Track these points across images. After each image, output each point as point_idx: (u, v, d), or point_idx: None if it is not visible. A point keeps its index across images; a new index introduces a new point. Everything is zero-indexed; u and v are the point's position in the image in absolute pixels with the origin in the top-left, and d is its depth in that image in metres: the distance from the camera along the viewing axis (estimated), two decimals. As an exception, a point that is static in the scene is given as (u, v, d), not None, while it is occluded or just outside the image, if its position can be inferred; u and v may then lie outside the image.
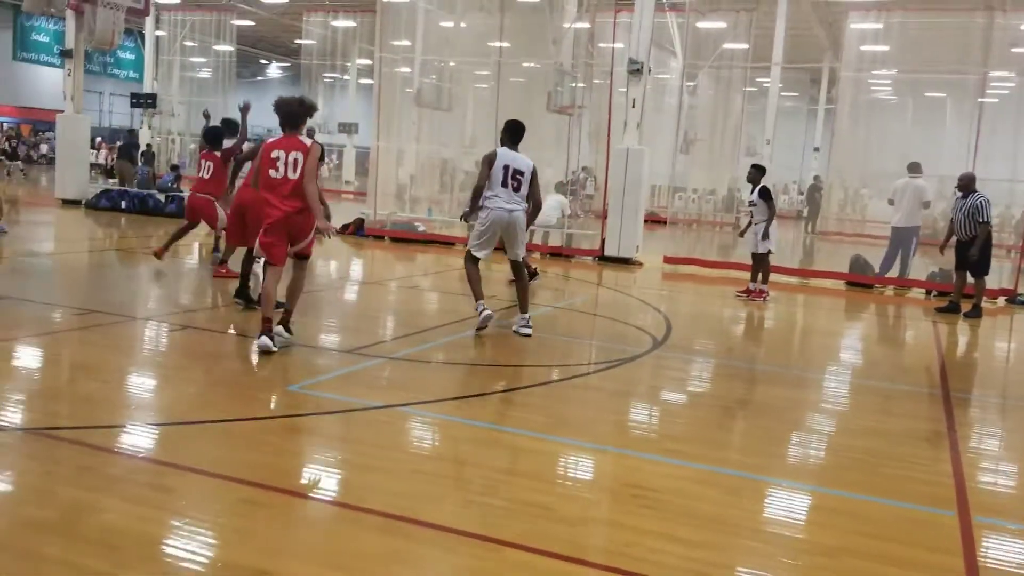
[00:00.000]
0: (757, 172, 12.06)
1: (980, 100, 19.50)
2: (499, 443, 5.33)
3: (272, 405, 6.01)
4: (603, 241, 15.62)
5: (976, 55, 18.88)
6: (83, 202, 19.67)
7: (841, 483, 5.04)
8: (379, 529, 3.95)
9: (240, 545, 3.73)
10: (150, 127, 29.42)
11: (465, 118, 22.05)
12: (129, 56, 43.48)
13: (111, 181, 23.33)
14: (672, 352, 8.38)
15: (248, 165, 9.22)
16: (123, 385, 6.18)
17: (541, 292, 12.50)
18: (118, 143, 30.60)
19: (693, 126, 25.15)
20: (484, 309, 8.38)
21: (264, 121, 19.83)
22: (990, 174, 16.38)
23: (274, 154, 6.99)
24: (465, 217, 9.10)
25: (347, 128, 37.44)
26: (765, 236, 11.89)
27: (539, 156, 19.44)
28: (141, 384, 6.28)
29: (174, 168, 23.33)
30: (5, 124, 42.82)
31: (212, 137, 11.17)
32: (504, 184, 8.24)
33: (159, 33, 28.85)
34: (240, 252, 9.53)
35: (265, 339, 6.93)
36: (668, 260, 15.70)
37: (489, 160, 8.29)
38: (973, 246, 11.53)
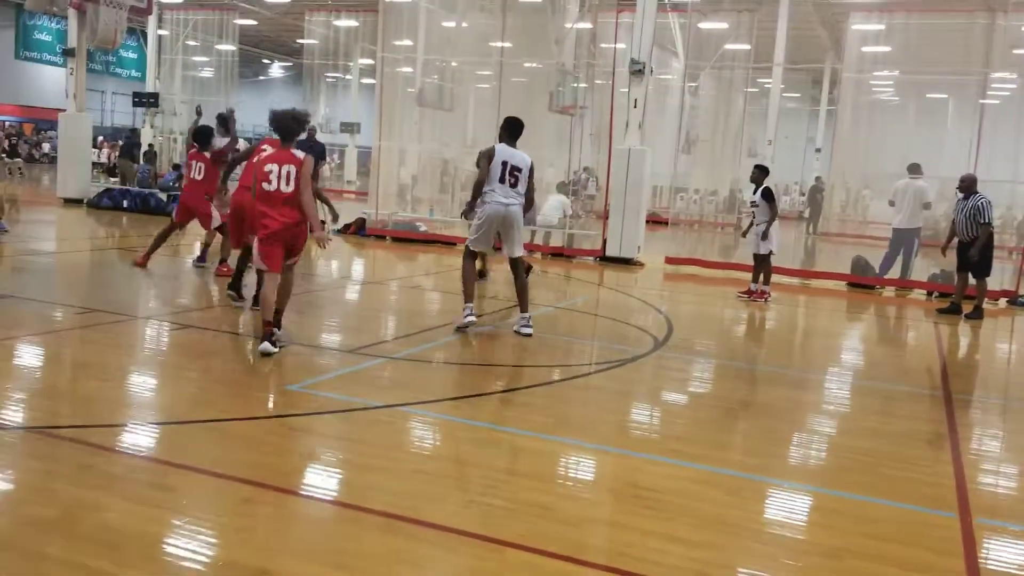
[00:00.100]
0: (760, 173, 12.05)
1: (981, 101, 19.48)
2: (500, 443, 5.33)
3: (273, 405, 6.01)
4: (604, 241, 15.61)
5: (978, 56, 18.87)
6: (85, 201, 19.67)
7: (842, 484, 5.04)
8: (380, 529, 3.95)
9: (241, 544, 3.73)
10: (152, 126, 29.42)
11: (467, 118, 22.04)
12: (131, 55, 43.47)
13: (112, 180, 23.34)
14: (673, 353, 8.38)
15: (241, 166, 9.22)
16: (124, 384, 6.18)
17: (542, 292, 12.51)
18: (120, 142, 30.64)
19: (695, 127, 25.13)
20: (469, 314, 8.42)
21: (265, 120, 19.80)
22: (991, 175, 16.38)
23: (267, 168, 7.12)
24: (465, 214, 9.13)
25: (349, 128, 37.45)
26: (765, 237, 11.88)
27: (541, 156, 19.53)
28: (142, 383, 6.28)
29: (176, 167, 23.32)
30: (7, 123, 42.87)
31: (202, 137, 11.07)
32: (502, 180, 8.29)
33: (161, 32, 28.84)
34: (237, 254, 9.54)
35: (267, 344, 6.99)
36: (669, 261, 15.70)
37: (488, 156, 8.33)
38: (974, 247, 11.52)
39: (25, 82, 41.80)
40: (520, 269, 8.63)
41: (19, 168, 31.78)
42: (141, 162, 23.16)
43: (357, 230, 17.51)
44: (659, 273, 14.92)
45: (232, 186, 9.86)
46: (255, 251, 7.26)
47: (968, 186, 11.85)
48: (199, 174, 10.84)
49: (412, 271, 14.21)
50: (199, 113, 12.78)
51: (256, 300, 8.07)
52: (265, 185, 7.10)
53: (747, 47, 23.06)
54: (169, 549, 3.63)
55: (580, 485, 4.89)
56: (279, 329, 7.32)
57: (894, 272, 14.21)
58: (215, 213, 10.74)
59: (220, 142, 10.98)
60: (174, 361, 7.06)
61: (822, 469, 5.46)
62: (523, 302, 8.56)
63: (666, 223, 20.29)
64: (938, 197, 18.77)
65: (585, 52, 20.92)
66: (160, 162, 26.94)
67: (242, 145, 11.19)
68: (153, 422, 5.32)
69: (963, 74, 20.04)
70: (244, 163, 9.30)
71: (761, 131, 26.09)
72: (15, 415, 5.24)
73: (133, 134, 24.62)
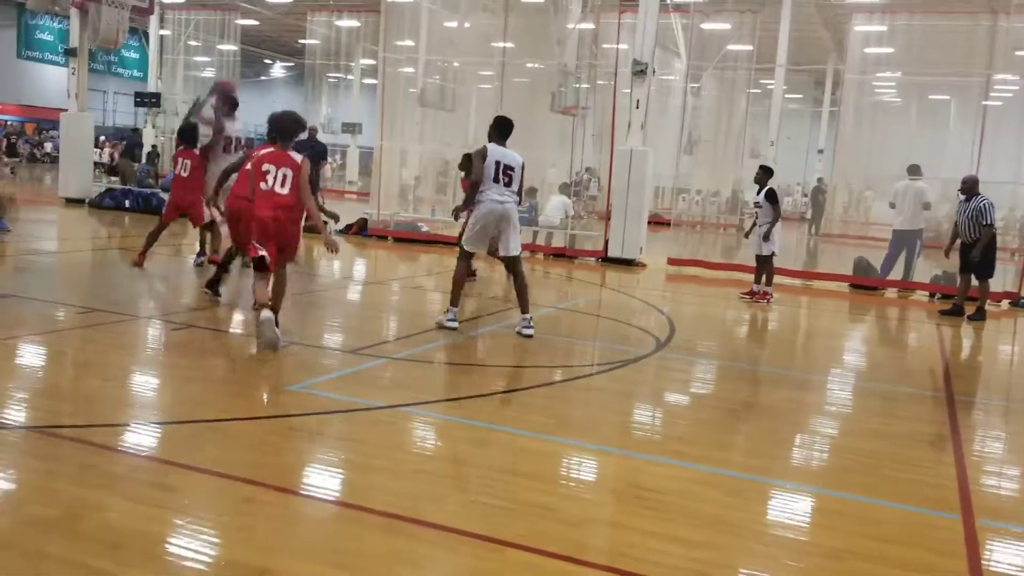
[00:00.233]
0: (764, 174, 12.05)
1: (984, 103, 19.46)
2: (501, 443, 5.33)
3: (274, 404, 6.01)
4: (606, 242, 15.60)
5: (980, 58, 18.86)
6: (87, 201, 19.69)
7: (844, 485, 5.03)
8: (381, 529, 3.95)
9: (242, 544, 3.72)
10: (154, 126, 29.44)
11: (469, 118, 22.03)
12: (133, 55, 43.46)
13: (113, 179, 23.34)
14: (675, 353, 8.37)
15: (234, 176, 9.19)
16: (126, 384, 6.18)
17: (544, 293, 12.51)
18: (123, 141, 30.64)
19: (697, 127, 25.14)
20: (452, 319, 8.44)
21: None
22: (994, 177, 16.36)
23: (264, 167, 7.24)
24: (457, 213, 9.25)
25: (351, 128, 37.46)
26: (767, 238, 11.87)
27: (543, 156, 19.62)
28: (144, 383, 6.28)
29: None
30: (8, 122, 42.92)
31: (187, 136, 11.06)
32: (496, 180, 8.32)
33: (163, 32, 28.85)
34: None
35: (266, 312, 7.11)
36: (672, 262, 15.69)
37: (481, 156, 8.35)
38: (976, 249, 11.51)
39: (27, 82, 41.83)
40: (519, 267, 8.64)
41: (10, 168, 31.76)
42: (143, 162, 23.15)
43: (359, 230, 17.51)
44: (661, 274, 14.92)
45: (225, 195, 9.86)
46: (249, 250, 7.36)
47: (970, 187, 11.84)
48: (185, 171, 10.89)
49: (414, 271, 14.20)
50: (195, 106, 12.69)
51: (255, 302, 8.07)
52: (262, 184, 7.22)
53: (749, 48, 23.06)
54: (170, 549, 3.63)
55: (581, 485, 4.88)
56: (278, 327, 7.34)
57: (896, 273, 14.20)
58: (205, 211, 10.71)
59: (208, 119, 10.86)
60: (176, 361, 7.06)
61: (824, 470, 5.45)
62: (524, 303, 8.55)
63: (668, 224, 20.28)
64: (940, 199, 18.75)
65: (587, 52, 20.91)
66: (162, 162, 26.94)
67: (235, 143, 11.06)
68: (155, 422, 5.32)
69: (965, 76, 20.03)
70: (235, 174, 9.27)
71: (763, 132, 26.06)
72: (17, 414, 5.24)
73: (135, 134, 24.62)
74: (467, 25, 20.37)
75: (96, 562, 3.43)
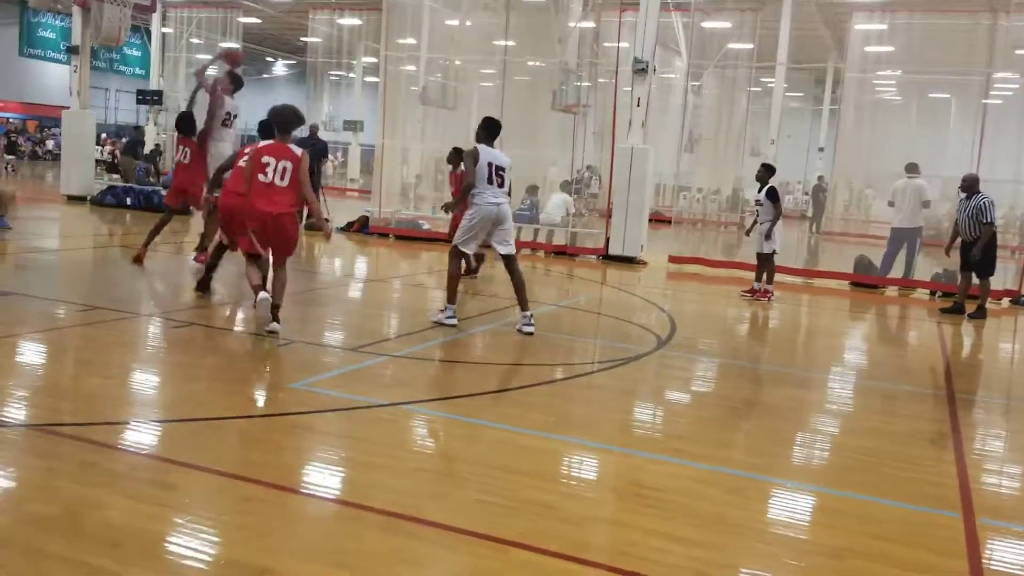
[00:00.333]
0: (766, 172, 12.04)
1: (984, 101, 19.44)
2: (502, 441, 5.33)
3: (275, 402, 6.02)
4: (607, 240, 15.60)
5: (980, 57, 18.83)
6: (88, 198, 19.69)
7: (845, 484, 5.03)
8: (382, 527, 3.95)
9: (243, 543, 3.72)
10: (156, 124, 29.45)
11: (470, 117, 21.96)
12: (135, 53, 43.36)
13: (114, 176, 23.35)
14: (676, 351, 8.37)
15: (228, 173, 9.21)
16: (126, 381, 6.18)
17: (545, 291, 12.50)
18: (123, 139, 30.61)
19: (698, 125, 25.12)
20: (451, 316, 8.48)
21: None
22: (994, 175, 16.33)
23: (264, 159, 7.36)
24: (447, 208, 9.44)
25: (352, 126, 37.44)
26: (769, 236, 11.87)
27: (544, 154, 19.63)
28: (144, 380, 6.29)
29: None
30: (10, 119, 42.91)
31: (184, 125, 11.09)
32: (490, 181, 8.39)
33: (165, 30, 28.85)
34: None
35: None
36: (672, 259, 15.69)
37: (474, 158, 8.39)
38: (976, 247, 11.51)
39: (29, 79, 41.81)
40: (516, 265, 8.69)
41: (7, 165, 31.82)
42: (144, 160, 23.13)
43: (360, 228, 17.52)
44: (662, 272, 14.91)
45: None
46: (249, 236, 7.56)
47: (970, 186, 11.84)
48: (186, 158, 11.00)
49: (415, 269, 14.20)
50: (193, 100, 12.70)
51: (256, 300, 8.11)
52: (260, 176, 7.33)
53: (750, 46, 23.04)
54: (171, 547, 3.63)
55: (582, 484, 4.88)
56: (278, 323, 7.47)
57: (897, 272, 14.20)
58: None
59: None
60: (176, 359, 7.06)
61: (825, 469, 5.45)
62: (523, 300, 8.58)
63: (669, 222, 20.27)
64: (941, 197, 18.75)
65: (588, 51, 20.90)
66: (164, 160, 26.95)
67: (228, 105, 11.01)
68: (155, 420, 5.32)
69: (966, 74, 20.00)
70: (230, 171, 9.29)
71: (764, 130, 26.04)
72: (17, 412, 5.24)
73: (137, 131, 24.60)
74: (468, 23, 20.36)
75: (96, 560, 3.43)
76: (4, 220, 13.58)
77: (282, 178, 7.33)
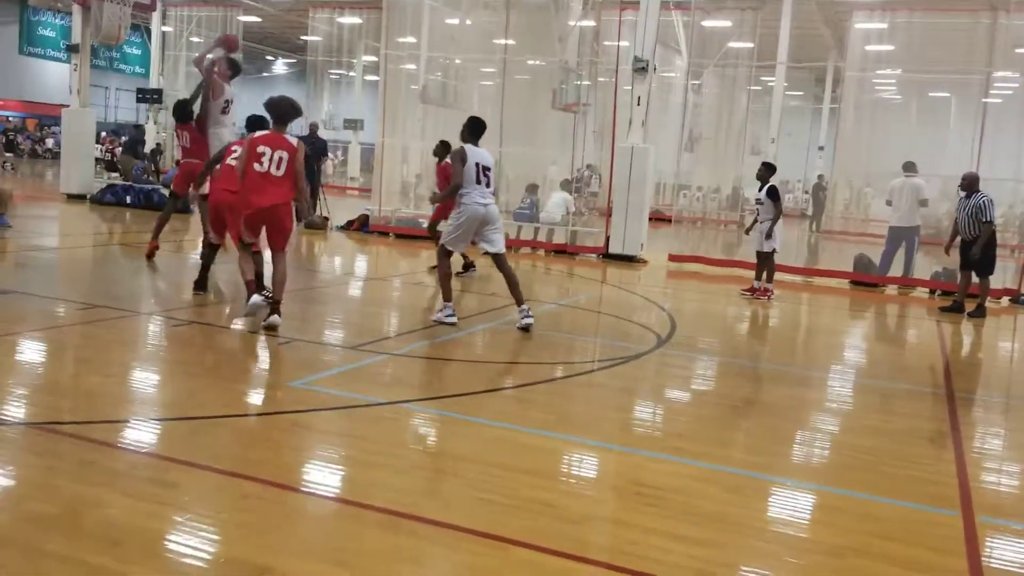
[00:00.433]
0: (767, 170, 12.05)
1: (984, 100, 19.43)
2: (502, 440, 5.33)
3: (275, 401, 6.01)
4: (607, 239, 15.60)
5: (980, 55, 18.81)
6: (88, 197, 19.69)
7: (845, 482, 5.03)
8: (382, 526, 3.95)
9: (242, 541, 3.72)
10: (156, 123, 29.45)
11: (470, 115, 21.99)
12: (135, 51, 43.42)
13: (112, 175, 23.34)
14: (676, 350, 8.37)
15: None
16: (126, 380, 6.18)
17: (545, 289, 12.51)
18: (123, 138, 30.58)
19: (698, 124, 25.12)
20: (451, 314, 8.50)
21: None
22: (994, 174, 16.35)
23: (260, 149, 7.44)
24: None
25: (352, 125, 37.43)
26: (769, 235, 11.87)
27: (544, 153, 19.61)
28: (144, 379, 6.29)
29: (178, 163, 23.28)
30: (8, 118, 42.89)
31: (180, 113, 11.11)
32: (478, 181, 8.43)
33: (165, 29, 28.86)
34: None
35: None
36: (673, 258, 15.69)
37: (461, 158, 8.42)
38: (976, 246, 11.52)
39: (29, 78, 41.83)
40: (506, 262, 8.75)
41: (6, 163, 31.84)
42: (143, 158, 23.12)
43: (360, 226, 17.53)
44: (662, 270, 14.92)
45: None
46: (241, 225, 7.70)
47: (970, 184, 11.84)
48: (187, 142, 11.01)
49: (415, 267, 14.18)
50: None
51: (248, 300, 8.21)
52: (256, 166, 7.40)
53: (750, 45, 23.04)
54: (170, 546, 3.63)
55: (582, 482, 4.88)
56: (279, 316, 7.56)
57: (896, 270, 14.21)
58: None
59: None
60: (176, 357, 7.06)
61: (824, 467, 5.45)
62: (518, 295, 8.64)
63: (669, 220, 20.27)
64: (941, 196, 18.73)
65: (588, 50, 20.89)
66: (164, 159, 26.96)
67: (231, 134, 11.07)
68: (155, 418, 5.32)
69: (966, 73, 19.98)
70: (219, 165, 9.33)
71: (764, 129, 26.06)
72: (17, 411, 5.24)
73: (138, 130, 24.61)
74: (469, 22, 20.35)
75: (95, 559, 3.43)
76: (4, 218, 13.59)
77: (278, 168, 7.41)
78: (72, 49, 19.99)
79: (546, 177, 19.58)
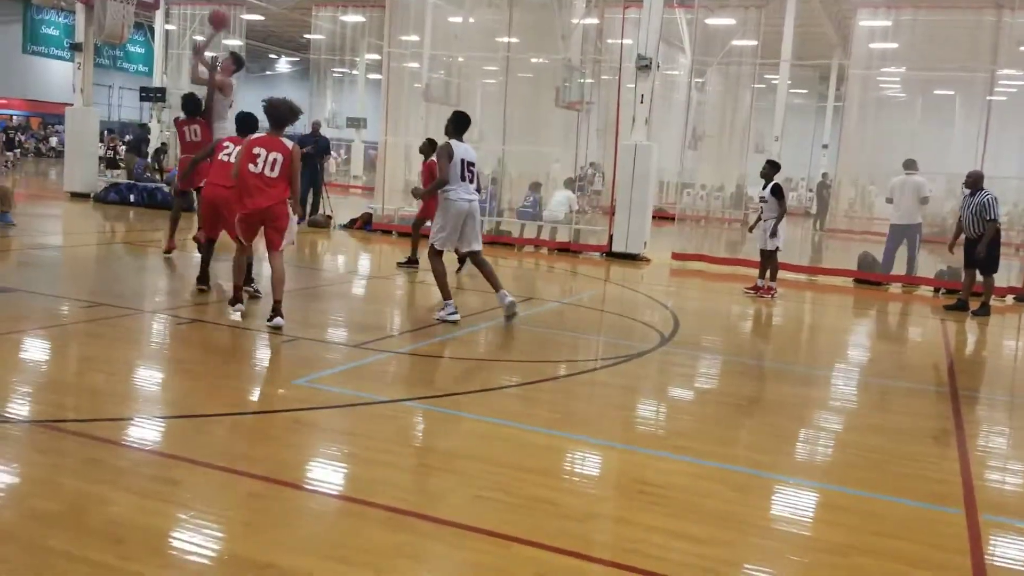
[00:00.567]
0: (771, 168, 12.03)
1: (989, 98, 19.39)
2: (505, 438, 5.33)
3: (278, 399, 6.02)
4: (611, 237, 15.59)
5: (985, 53, 18.76)
6: (92, 195, 19.71)
7: (848, 480, 5.02)
8: (385, 523, 3.95)
9: (246, 538, 3.72)
10: (159, 121, 29.46)
11: (473, 114, 21.96)
12: (139, 50, 43.47)
13: (114, 173, 23.38)
14: (679, 348, 8.36)
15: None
16: (130, 378, 6.19)
17: (549, 288, 12.52)
18: (127, 137, 30.62)
19: (701, 122, 25.10)
20: (453, 312, 8.50)
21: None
22: (998, 172, 16.32)
23: (255, 150, 7.50)
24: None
25: (355, 123, 37.44)
26: (774, 234, 11.86)
27: (547, 151, 19.59)
28: (148, 377, 6.29)
29: (182, 160, 23.29)
30: (12, 116, 42.94)
31: (193, 107, 11.09)
32: (463, 177, 8.46)
33: (168, 27, 28.85)
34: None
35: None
36: (676, 256, 15.68)
37: (448, 155, 8.42)
38: (980, 244, 11.49)
39: (32, 76, 41.89)
40: (482, 257, 8.81)
41: (7, 162, 31.90)
42: (149, 158, 23.18)
43: (363, 225, 17.54)
44: (665, 269, 14.90)
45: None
46: (235, 225, 7.75)
47: (975, 182, 11.81)
48: (196, 136, 10.90)
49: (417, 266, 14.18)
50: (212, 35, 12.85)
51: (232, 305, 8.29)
52: (251, 166, 7.46)
53: (754, 43, 23.03)
54: (174, 543, 3.63)
55: (586, 480, 4.88)
56: (281, 317, 7.56)
57: (899, 268, 14.18)
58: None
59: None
60: (180, 355, 7.07)
61: (828, 465, 5.44)
62: (496, 282, 8.74)
63: (672, 219, 20.25)
64: (945, 194, 18.71)
65: (592, 48, 20.88)
66: (168, 158, 26.98)
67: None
68: (158, 416, 5.33)
69: (970, 71, 19.91)
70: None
71: (768, 127, 26.04)
72: (21, 408, 5.25)
73: (142, 129, 24.65)
74: (471, 20, 20.34)
75: (99, 556, 3.43)
76: (8, 216, 13.60)
77: (272, 169, 7.46)
78: (75, 48, 20.02)
79: (549, 175, 19.58)
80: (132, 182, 20.03)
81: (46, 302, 8.59)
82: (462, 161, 8.42)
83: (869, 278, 14.36)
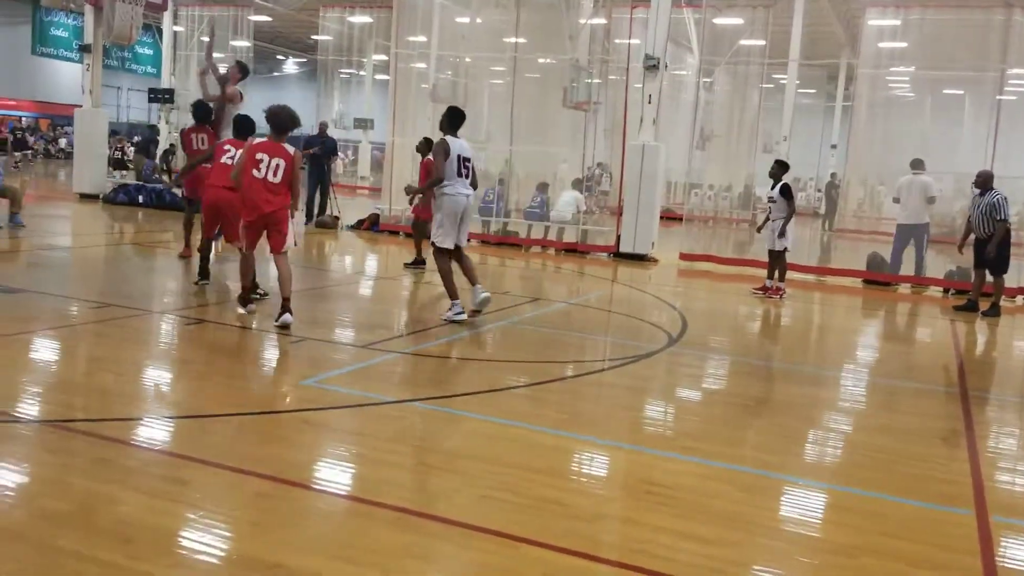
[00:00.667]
0: (780, 168, 12.00)
1: (998, 97, 19.31)
2: (512, 438, 5.32)
3: (286, 399, 6.03)
4: (618, 237, 15.57)
5: (994, 52, 18.70)
6: (101, 196, 19.77)
7: (857, 481, 5.00)
8: (392, 523, 3.95)
9: (254, 538, 3.73)
10: (168, 122, 29.54)
11: (481, 114, 21.99)
12: (147, 51, 43.59)
13: (121, 173, 23.46)
14: (687, 349, 8.35)
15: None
16: (138, 378, 6.21)
17: (556, 288, 12.51)
18: (135, 138, 30.69)
19: (709, 122, 25.04)
20: (460, 312, 8.52)
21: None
22: (1008, 172, 16.24)
23: (258, 156, 7.69)
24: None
25: (363, 124, 37.44)
26: (782, 234, 11.83)
27: (555, 152, 19.58)
28: (156, 377, 6.31)
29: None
30: (21, 118, 43.09)
31: (202, 114, 11.17)
32: (459, 173, 8.49)
33: (177, 28, 28.91)
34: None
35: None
36: (684, 257, 15.65)
37: (444, 151, 8.44)
38: (990, 244, 11.45)
39: (42, 78, 42.05)
40: (464, 253, 8.85)
41: (16, 162, 32.05)
42: (158, 159, 23.24)
43: (370, 226, 17.55)
44: (673, 269, 14.88)
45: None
46: (240, 231, 7.95)
47: (984, 182, 11.77)
48: (203, 144, 11.03)
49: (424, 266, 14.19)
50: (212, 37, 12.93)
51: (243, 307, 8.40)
52: (254, 172, 7.63)
53: (762, 43, 22.95)
54: (182, 542, 3.64)
55: (593, 481, 4.88)
56: (290, 314, 7.65)
57: (908, 269, 14.13)
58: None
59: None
60: (188, 356, 7.09)
61: (837, 466, 5.42)
62: (473, 276, 8.79)
63: (680, 219, 20.21)
64: (955, 194, 18.63)
65: (599, 48, 20.85)
66: (176, 159, 27.05)
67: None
68: (167, 416, 5.34)
69: (980, 70, 19.83)
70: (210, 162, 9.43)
71: (776, 127, 25.96)
72: (31, 408, 5.27)
73: (152, 130, 24.73)
74: (479, 21, 20.33)
75: (108, 555, 3.44)
76: (18, 217, 13.65)
77: (275, 175, 7.64)
78: (84, 49, 20.09)
79: (556, 176, 19.55)
80: (141, 183, 20.09)
81: (55, 303, 8.62)
82: (458, 157, 8.45)
83: (878, 279, 14.31)
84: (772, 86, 29.13)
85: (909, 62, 20.45)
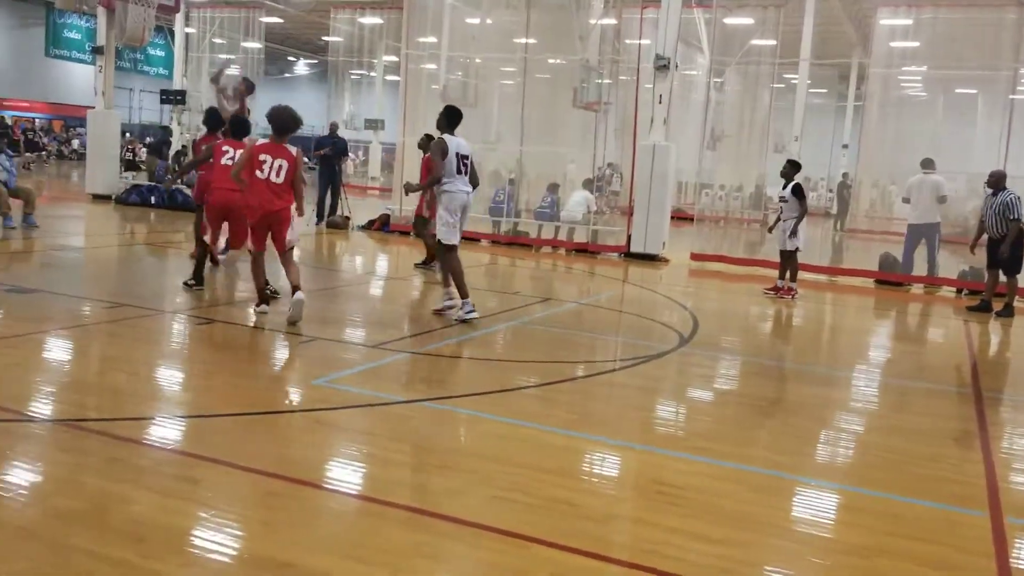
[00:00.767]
0: (791, 168, 11.97)
1: (1011, 97, 19.22)
2: (523, 438, 5.32)
3: (298, 399, 6.04)
4: (629, 238, 15.55)
5: (1007, 51, 18.61)
6: (113, 197, 19.86)
7: (870, 482, 4.98)
8: (403, 523, 3.95)
9: (265, 537, 3.74)
10: (179, 124, 29.65)
11: (491, 115, 22.00)
12: (159, 53, 43.78)
13: (132, 174, 23.56)
14: (699, 349, 8.33)
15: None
16: (151, 378, 6.23)
17: (567, 288, 12.49)
18: (148, 139, 30.82)
19: (720, 122, 24.99)
20: (472, 311, 8.52)
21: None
22: (1021, 171, 16.15)
23: (261, 157, 7.80)
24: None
25: (373, 124, 37.50)
26: (794, 234, 11.79)
27: (565, 152, 19.56)
28: (169, 377, 6.33)
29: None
30: (36, 120, 43.34)
31: (213, 122, 11.17)
32: (459, 171, 8.54)
33: (189, 30, 29.01)
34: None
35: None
36: (695, 257, 15.62)
37: (443, 150, 8.50)
38: (1003, 244, 11.39)
39: (55, 79, 42.29)
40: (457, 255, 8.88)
41: (28, 163, 32.25)
42: (168, 159, 23.34)
43: (381, 226, 17.58)
44: (684, 269, 14.85)
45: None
46: (249, 233, 8.07)
47: (997, 182, 11.71)
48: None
49: (435, 266, 14.20)
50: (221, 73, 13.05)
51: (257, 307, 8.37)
52: (258, 173, 7.75)
53: (773, 42, 22.90)
54: (194, 541, 3.65)
55: (604, 481, 4.87)
56: (300, 292, 7.81)
57: (920, 269, 14.07)
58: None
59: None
60: (200, 355, 7.11)
61: (849, 467, 5.40)
62: (463, 289, 8.72)
63: (691, 219, 20.18)
64: (968, 193, 18.54)
65: (609, 48, 20.85)
66: (186, 160, 27.16)
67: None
68: (179, 415, 5.36)
69: (992, 69, 19.76)
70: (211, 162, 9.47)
71: (788, 127, 25.90)
72: (44, 408, 5.29)
73: (164, 132, 24.84)
74: (489, 21, 20.35)
75: (120, 554, 3.45)
76: (31, 218, 13.73)
77: (278, 175, 7.76)
78: (97, 51, 20.20)
79: (567, 176, 19.55)
80: (153, 184, 20.17)
81: (68, 303, 8.66)
82: (457, 155, 8.50)
83: (890, 279, 14.25)
84: (783, 86, 29.05)
85: (921, 61, 20.37)
